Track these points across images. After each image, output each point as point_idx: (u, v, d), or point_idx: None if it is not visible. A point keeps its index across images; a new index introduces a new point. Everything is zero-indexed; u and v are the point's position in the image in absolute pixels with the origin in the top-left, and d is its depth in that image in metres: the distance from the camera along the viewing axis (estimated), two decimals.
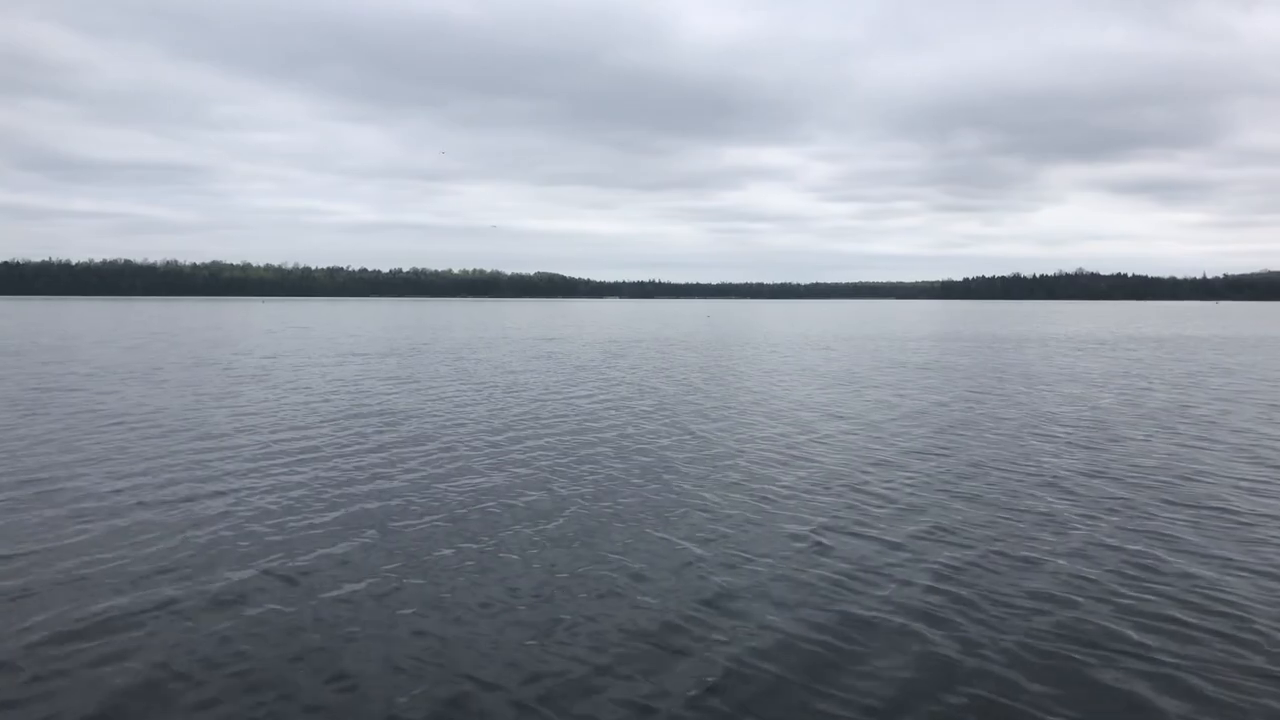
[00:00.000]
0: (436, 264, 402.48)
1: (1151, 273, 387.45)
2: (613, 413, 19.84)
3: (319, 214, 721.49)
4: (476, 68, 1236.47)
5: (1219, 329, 71.50)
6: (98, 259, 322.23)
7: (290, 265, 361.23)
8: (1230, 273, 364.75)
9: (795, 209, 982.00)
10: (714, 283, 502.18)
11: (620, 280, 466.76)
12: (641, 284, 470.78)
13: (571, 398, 22.69)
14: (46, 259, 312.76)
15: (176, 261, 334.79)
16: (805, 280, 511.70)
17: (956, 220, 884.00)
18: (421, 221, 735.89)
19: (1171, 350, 43.53)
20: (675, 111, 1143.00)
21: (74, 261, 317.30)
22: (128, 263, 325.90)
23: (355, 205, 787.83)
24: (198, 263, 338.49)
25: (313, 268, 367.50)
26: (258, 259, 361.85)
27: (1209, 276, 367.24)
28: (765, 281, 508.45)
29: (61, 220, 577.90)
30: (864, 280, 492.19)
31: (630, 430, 17.33)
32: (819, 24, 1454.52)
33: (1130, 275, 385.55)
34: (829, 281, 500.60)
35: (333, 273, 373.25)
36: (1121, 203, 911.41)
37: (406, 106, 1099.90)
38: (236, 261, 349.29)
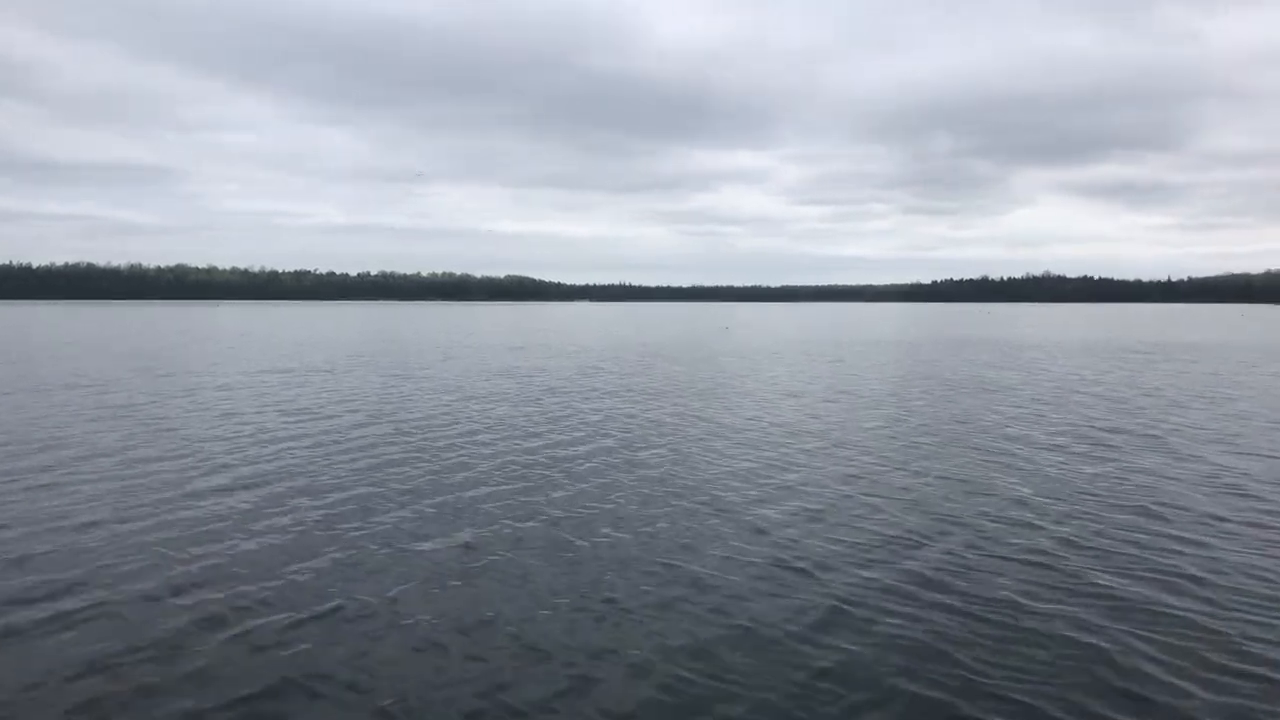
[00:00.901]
0: (408, 267, 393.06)
1: (1118, 275, 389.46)
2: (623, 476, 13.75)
3: (290, 216, 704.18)
4: (449, 70, 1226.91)
5: (1227, 333, 67.01)
6: (62, 262, 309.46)
7: (257, 268, 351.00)
8: (1194, 275, 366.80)
9: (766, 211, 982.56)
10: (685, 285, 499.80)
11: (590, 283, 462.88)
12: (611, 287, 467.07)
13: (543, 444, 16.57)
14: (7, 262, 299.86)
15: (141, 264, 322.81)
16: (775, 283, 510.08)
17: (927, 223, 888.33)
18: (393, 224, 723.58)
19: (1219, 362, 38.26)
20: (647, 114, 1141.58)
21: (35, 265, 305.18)
22: (90, 265, 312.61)
23: (326, 207, 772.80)
24: (162, 265, 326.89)
25: (279, 271, 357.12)
26: (228, 262, 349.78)
27: (1173, 279, 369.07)
28: (735, 284, 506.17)
29: (30, 223, 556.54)
30: (834, 283, 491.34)
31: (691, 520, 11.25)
32: (791, 27, 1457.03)
33: (1096, 278, 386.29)
34: (798, 284, 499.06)
35: (299, 276, 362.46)
36: (1090, 205, 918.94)
37: (378, 108, 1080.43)
38: (205, 264, 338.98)
